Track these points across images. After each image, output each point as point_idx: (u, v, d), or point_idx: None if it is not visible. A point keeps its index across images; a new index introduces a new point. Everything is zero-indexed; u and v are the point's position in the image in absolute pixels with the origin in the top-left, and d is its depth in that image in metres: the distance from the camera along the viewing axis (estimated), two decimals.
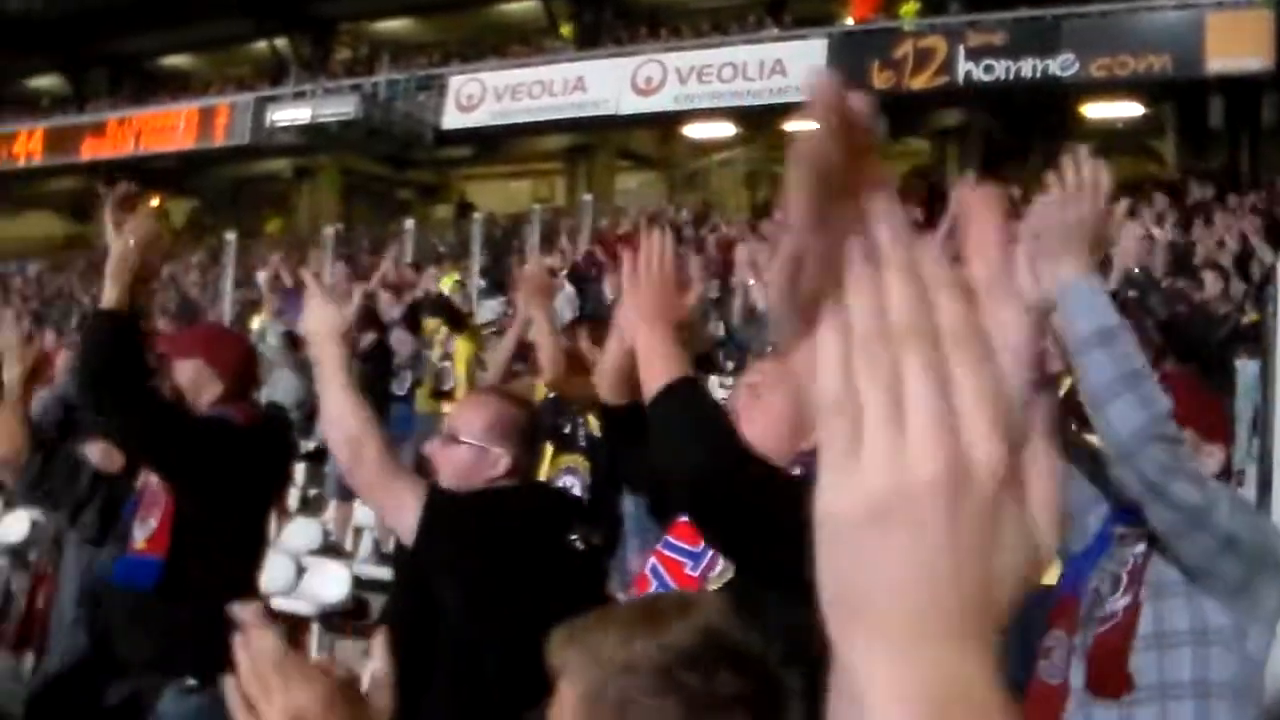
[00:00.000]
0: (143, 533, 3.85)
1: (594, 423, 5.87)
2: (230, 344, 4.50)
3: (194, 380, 4.05)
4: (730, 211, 25.39)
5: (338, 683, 1.56)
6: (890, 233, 0.66)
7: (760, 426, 2.81)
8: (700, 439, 2.55)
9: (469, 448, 3.19)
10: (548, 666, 1.61)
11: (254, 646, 1.55)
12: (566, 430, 6.07)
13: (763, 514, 2.35)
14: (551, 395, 6.16)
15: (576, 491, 5.93)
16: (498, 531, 3.09)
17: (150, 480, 3.96)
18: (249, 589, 4.11)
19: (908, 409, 0.62)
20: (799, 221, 0.76)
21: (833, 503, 0.64)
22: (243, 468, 3.93)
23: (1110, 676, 2.91)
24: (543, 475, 6.05)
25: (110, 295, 3.73)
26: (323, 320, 3.01)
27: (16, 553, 9.92)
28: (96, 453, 4.89)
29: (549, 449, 6.03)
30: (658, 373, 2.63)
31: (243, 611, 1.57)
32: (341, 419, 3.03)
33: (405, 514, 3.03)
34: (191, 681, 3.83)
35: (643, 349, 2.69)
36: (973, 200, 0.73)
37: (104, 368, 3.69)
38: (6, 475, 4.63)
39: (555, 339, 5.68)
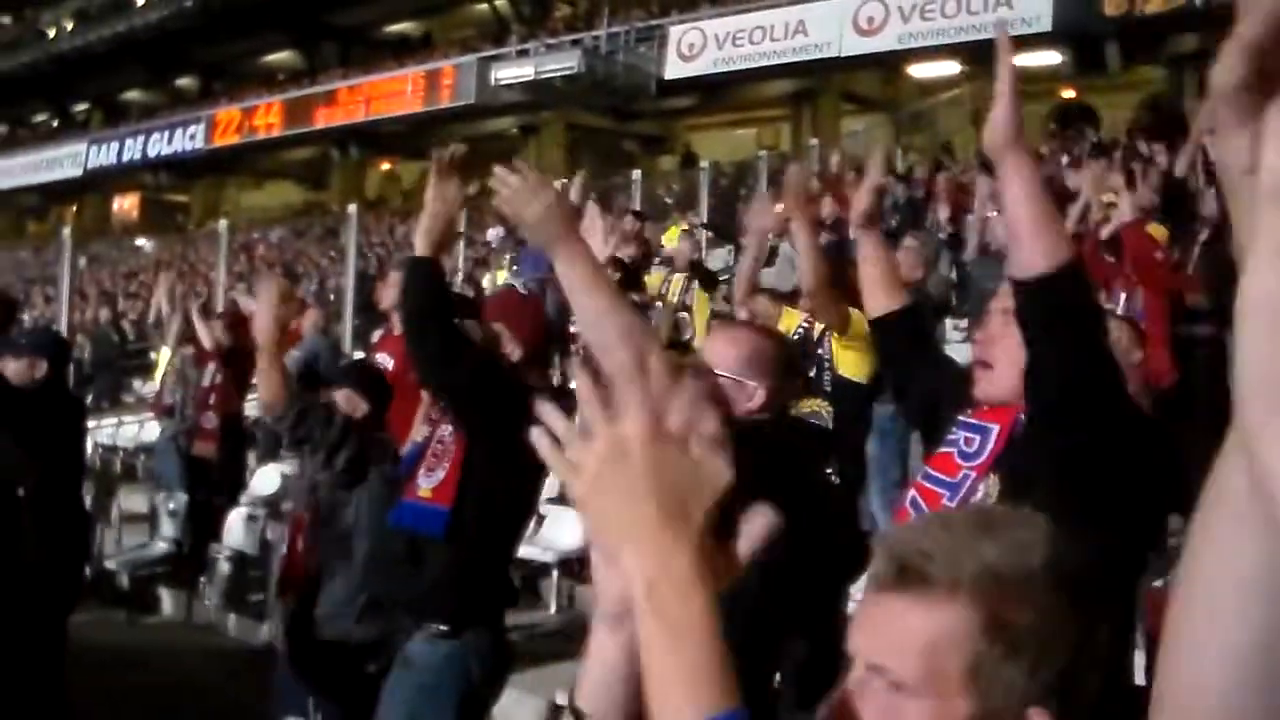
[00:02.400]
0: (429, 481, 3.91)
1: (840, 361, 5.76)
2: (529, 311, 4.54)
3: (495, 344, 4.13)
4: (959, 150, 24.72)
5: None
6: None
7: (1013, 350, 2.71)
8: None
9: (724, 380, 3.06)
10: (873, 577, 1.35)
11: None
12: (811, 374, 5.92)
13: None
14: (798, 335, 6.03)
15: None
16: (760, 464, 2.98)
17: (441, 430, 4.03)
18: (514, 545, 4.14)
19: None
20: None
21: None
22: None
23: None
24: None
25: (423, 245, 3.93)
26: (541, 220, 2.74)
27: (270, 504, 10.36)
28: (341, 400, 5.02)
29: None
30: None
31: None
32: (621, 327, 2.71)
33: None
34: (443, 628, 3.88)
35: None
36: None
37: (425, 306, 3.89)
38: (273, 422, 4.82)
39: (816, 247, 5.52)
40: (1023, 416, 2.72)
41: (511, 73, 32.60)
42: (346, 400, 4.86)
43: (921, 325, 3.42)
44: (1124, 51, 25.16)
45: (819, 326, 5.97)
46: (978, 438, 2.79)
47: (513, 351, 4.13)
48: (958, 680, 1.24)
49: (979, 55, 26.83)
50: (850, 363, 5.79)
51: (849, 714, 1.29)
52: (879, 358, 3.73)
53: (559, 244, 2.67)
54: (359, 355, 13.11)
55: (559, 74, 31.00)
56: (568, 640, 7.80)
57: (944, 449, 2.86)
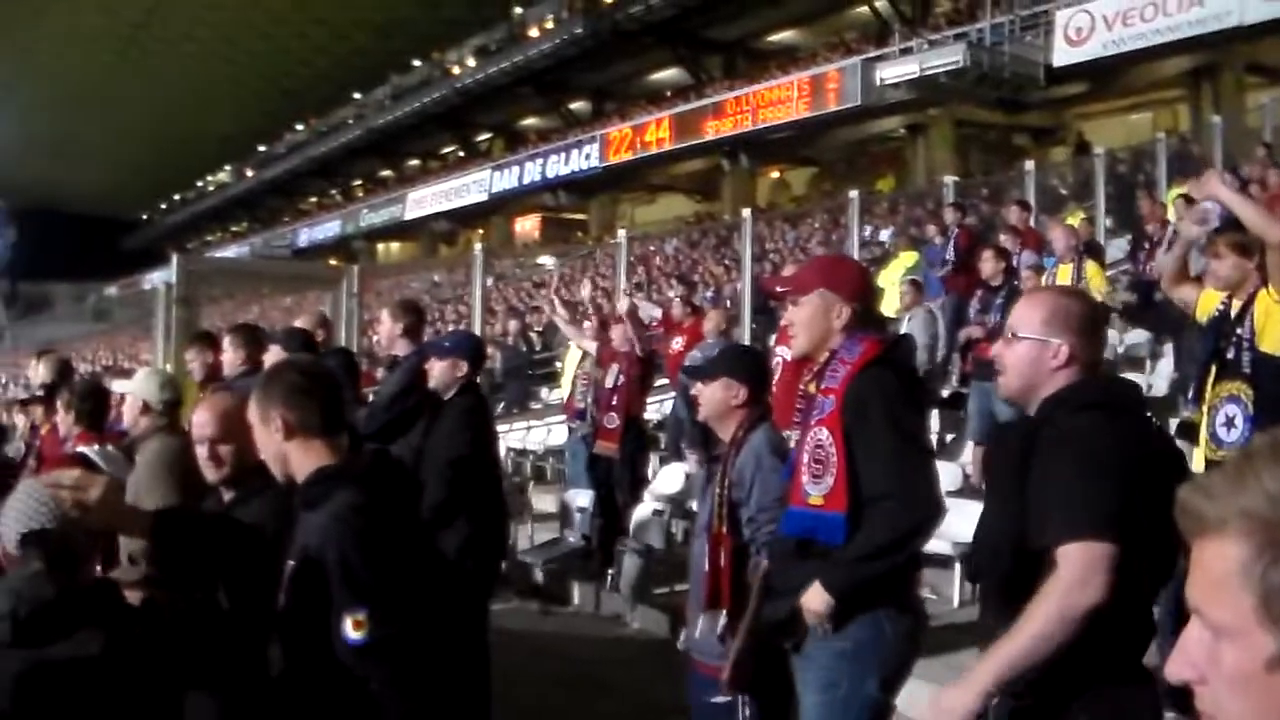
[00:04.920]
0: (818, 489, 3.86)
1: (1268, 335, 5.47)
2: (847, 266, 4.46)
3: (823, 310, 4.02)
4: None
5: None
6: None
7: None
8: None
9: (1028, 343, 3.22)
10: (1181, 533, 1.32)
11: None
12: (1230, 355, 5.64)
13: None
14: (1217, 313, 5.77)
15: (1239, 422, 5.53)
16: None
17: (816, 434, 3.91)
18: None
19: None
20: None
21: None
22: (907, 413, 3.99)
23: None
24: (1205, 404, 5.73)
25: None
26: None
27: (674, 501, 10.70)
28: (719, 388, 5.17)
29: (1211, 372, 5.67)
30: None
31: None
32: None
33: None
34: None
35: None
36: None
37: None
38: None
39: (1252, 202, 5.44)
40: None
41: (896, 72, 32.37)
42: (725, 388, 4.86)
43: None
44: None
45: (1237, 304, 5.71)
46: None
47: (841, 313, 4.01)
48: (1254, 615, 1.21)
49: None
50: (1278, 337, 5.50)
51: (1189, 663, 1.28)
52: None
53: None
54: None
55: (944, 69, 30.57)
56: (969, 633, 7.70)
57: None
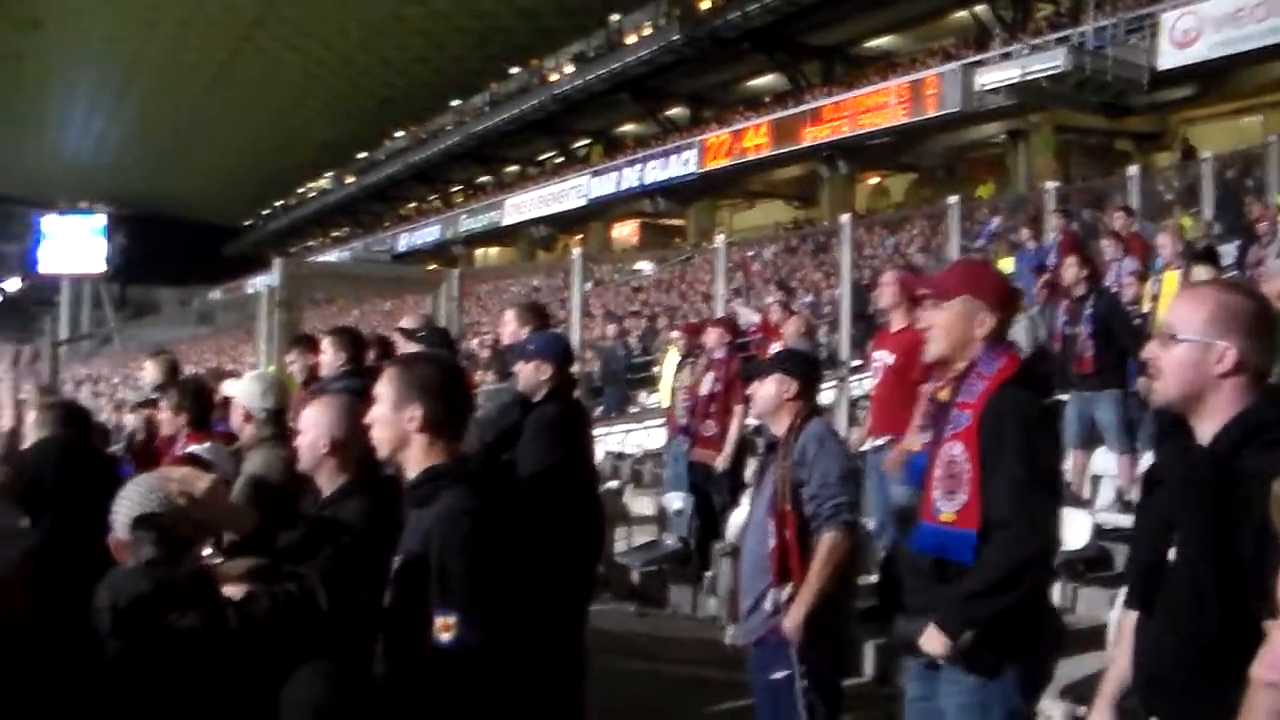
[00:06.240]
0: (950, 505, 3.80)
1: None
2: (991, 275, 4.35)
3: (966, 317, 3.95)
4: None
5: None
6: None
7: None
8: None
9: (1190, 345, 2.87)
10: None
11: None
12: None
13: None
14: None
15: None
16: None
17: (950, 449, 3.86)
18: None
19: None
20: None
21: None
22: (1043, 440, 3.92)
23: None
24: None
25: None
26: None
27: None
28: (772, 385, 5.33)
29: None
30: None
31: None
32: None
33: None
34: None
35: None
36: None
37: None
38: None
39: None
40: None
41: (996, 77, 32.09)
42: (777, 383, 5.20)
43: None
44: None
45: None
46: None
47: (984, 321, 3.93)
48: None
49: None
50: None
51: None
52: None
53: None
54: (855, 362, 13.37)
55: (1045, 74, 30.23)
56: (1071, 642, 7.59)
57: None
